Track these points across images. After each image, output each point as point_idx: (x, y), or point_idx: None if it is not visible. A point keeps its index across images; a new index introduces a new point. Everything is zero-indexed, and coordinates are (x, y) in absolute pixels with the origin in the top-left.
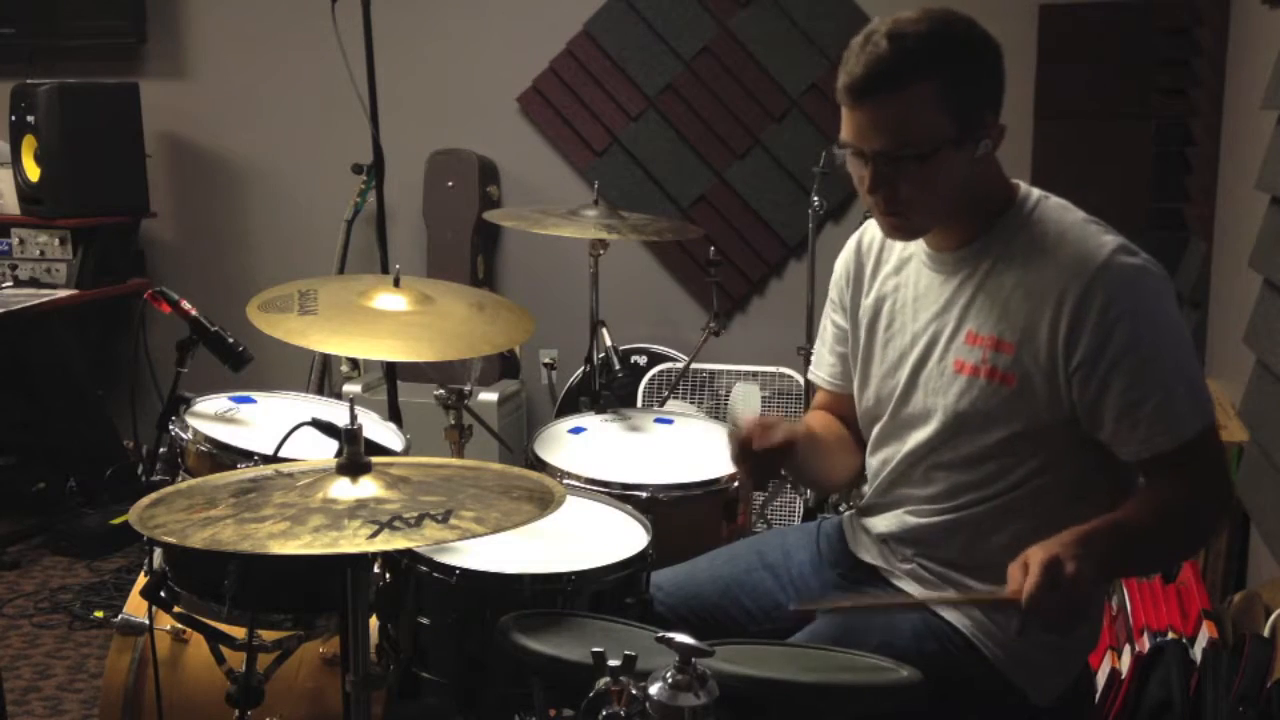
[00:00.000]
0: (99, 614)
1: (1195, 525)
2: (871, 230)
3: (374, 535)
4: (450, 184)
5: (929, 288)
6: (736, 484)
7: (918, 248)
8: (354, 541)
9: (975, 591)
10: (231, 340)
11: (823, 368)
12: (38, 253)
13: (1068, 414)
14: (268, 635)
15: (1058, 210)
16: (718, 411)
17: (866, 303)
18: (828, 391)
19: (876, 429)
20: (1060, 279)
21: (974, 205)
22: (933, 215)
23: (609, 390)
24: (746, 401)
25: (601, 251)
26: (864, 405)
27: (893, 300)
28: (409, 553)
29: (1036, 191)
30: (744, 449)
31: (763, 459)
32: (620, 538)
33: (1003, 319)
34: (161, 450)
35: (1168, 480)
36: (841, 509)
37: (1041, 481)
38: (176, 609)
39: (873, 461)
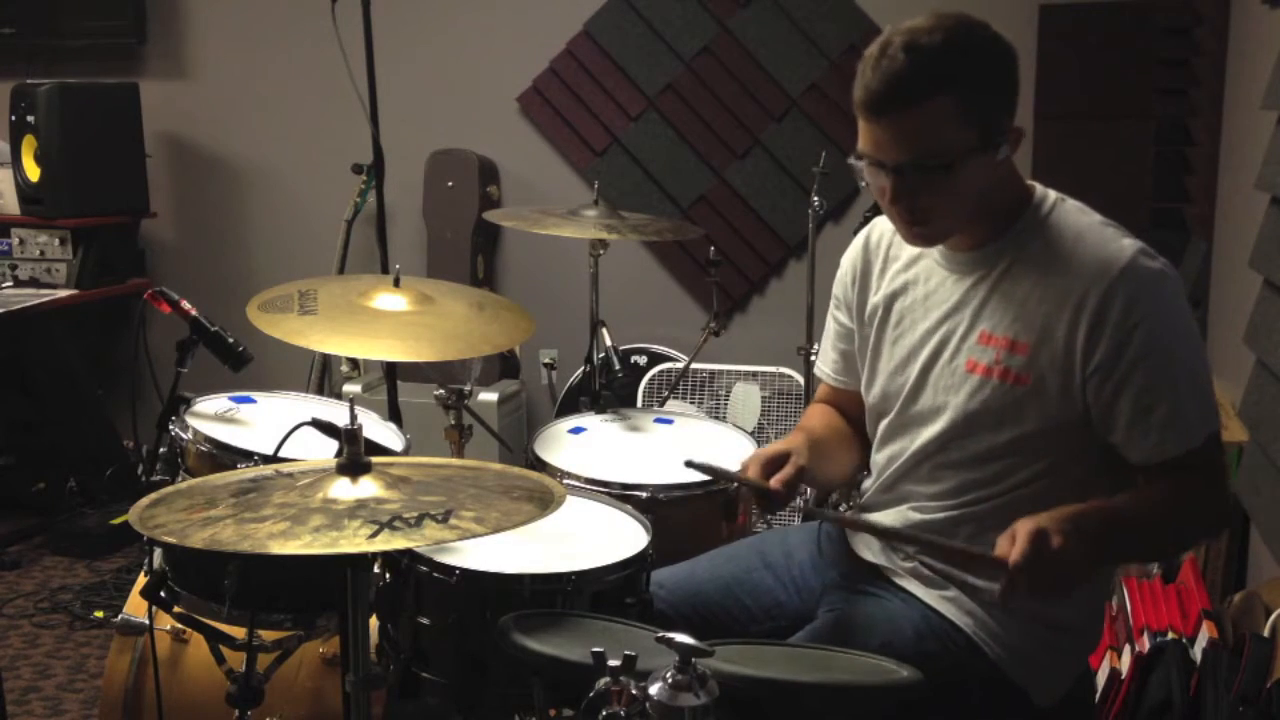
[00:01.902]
0: (99, 614)
1: (1186, 528)
2: (880, 228)
3: (374, 535)
4: (450, 184)
5: (941, 286)
6: (736, 484)
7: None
8: (354, 541)
9: (966, 547)
10: (231, 340)
11: (826, 363)
12: (38, 253)
13: (1080, 416)
14: (268, 635)
15: (1075, 213)
16: (718, 411)
17: (875, 300)
18: (831, 388)
19: (883, 425)
20: (1080, 282)
21: (991, 207)
22: (955, 221)
23: (609, 390)
24: (746, 401)
25: (601, 251)
26: (871, 401)
27: (903, 298)
28: (409, 553)
29: (1053, 194)
30: (761, 500)
31: (778, 497)
32: (620, 538)
33: (1018, 320)
34: (161, 450)
35: (1168, 482)
36: (842, 508)
37: (1047, 481)
38: (176, 609)
39: (878, 457)
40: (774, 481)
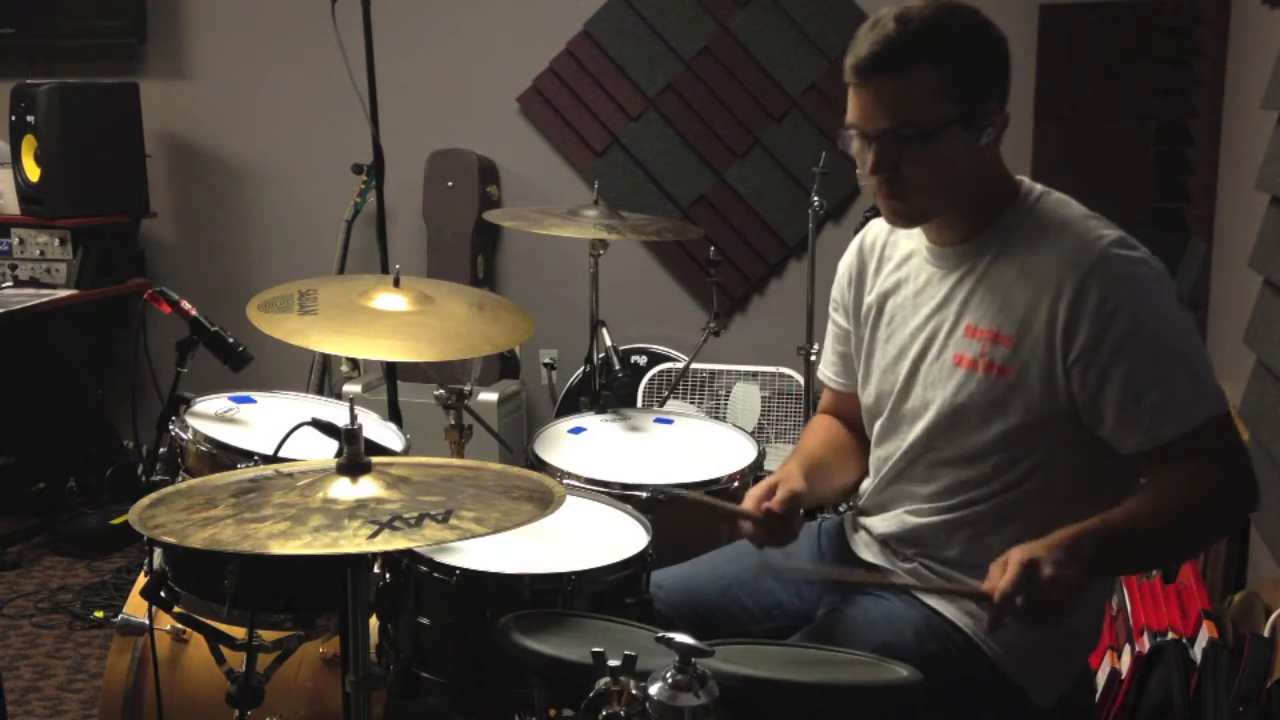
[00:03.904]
0: (99, 614)
1: (1203, 523)
2: (874, 230)
3: (374, 535)
4: (450, 184)
5: (929, 282)
6: (736, 484)
7: (920, 244)
8: (354, 541)
9: (954, 582)
10: (231, 340)
11: (828, 366)
12: (38, 253)
13: (1065, 407)
14: (268, 635)
15: (1059, 205)
16: (718, 411)
17: (869, 301)
18: (833, 390)
19: (878, 425)
20: (1057, 271)
21: (977, 198)
22: (934, 200)
23: (609, 390)
24: (746, 401)
25: (601, 251)
26: (866, 402)
27: (895, 297)
28: (409, 553)
29: (1039, 187)
30: (760, 536)
31: (776, 531)
32: (620, 538)
33: (1002, 311)
34: (161, 450)
35: (1174, 474)
36: (841, 509)
37: (1041, 480)
38: (176, 609)
39: (874, 458)
40: (766, 506)
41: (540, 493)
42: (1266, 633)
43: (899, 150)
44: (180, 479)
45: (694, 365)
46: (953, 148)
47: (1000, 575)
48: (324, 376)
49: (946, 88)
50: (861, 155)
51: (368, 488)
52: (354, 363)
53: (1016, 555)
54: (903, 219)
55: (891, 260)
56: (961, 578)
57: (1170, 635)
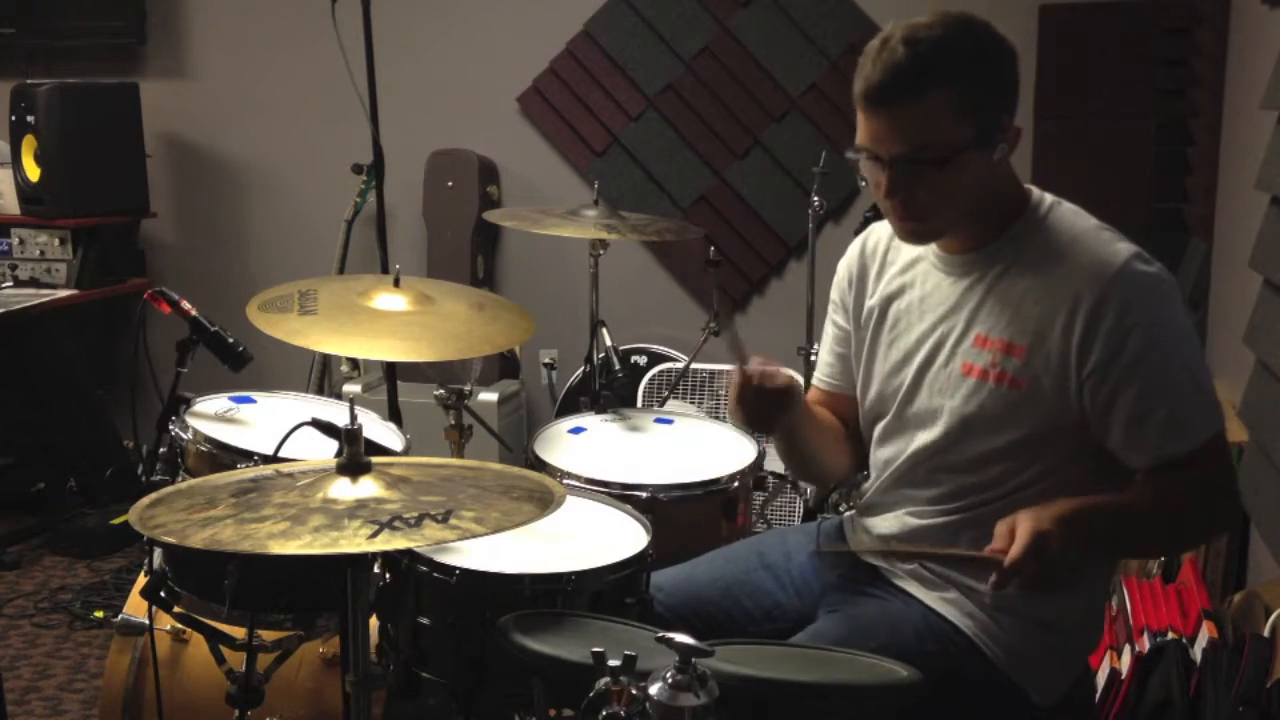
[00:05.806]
0: (99, 614)
1: (1190, 527)
2: (877, 233)
3: (374, 535)
4: (450, 184)
5: (937, 289)
6: (736, 484)
7: (927, 249)
8: (354, 541)
9: (960, 548)
10: (231, 340)
11: (820, 368)
12: (38, 253)
13: (1076, 419)
14: (268, 635)
15: (1071, 216)
16: (718, 411)
17: (871, 303)
18: (823, 391)
19: (879, 428)
20: (1074, 284)
21: (987, 209)
22: (950, 219)
23: (609, 390)
24: None
25: (601, 251)
26: (866, 404)
27: (899, 301)
28: (409, 553)
29: (1050, 197)
30: (745, 385)
31: (762, 400)
32: (620, 538)
33: (1013, 323)
34: (161, 450)
35: (1173, 480)
36: (842, 509)
37: (1045, 485)
38: (176, 609)
39: (876, 458)
40: (759, 374)
41: (540, 493)
42: (1266, 633)
43: (914, 174)
44: (180, 479)
45: (694, 365)
46: (968, 168)
47: (1006, 535)
48: (324, 376)
49: (961, 110)
50: (874, 176)
51: (368, 488)
52: (354, 363)
53: (1027, 525)
54: (918, 238)
55: (895, 264)
56: (962, 578)
57: (1170, 635)
